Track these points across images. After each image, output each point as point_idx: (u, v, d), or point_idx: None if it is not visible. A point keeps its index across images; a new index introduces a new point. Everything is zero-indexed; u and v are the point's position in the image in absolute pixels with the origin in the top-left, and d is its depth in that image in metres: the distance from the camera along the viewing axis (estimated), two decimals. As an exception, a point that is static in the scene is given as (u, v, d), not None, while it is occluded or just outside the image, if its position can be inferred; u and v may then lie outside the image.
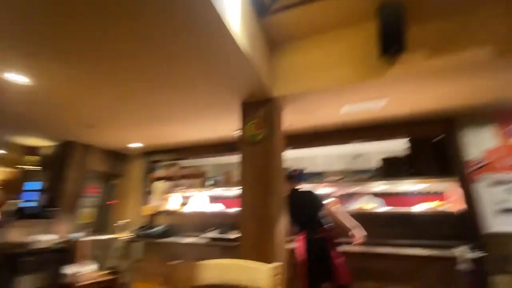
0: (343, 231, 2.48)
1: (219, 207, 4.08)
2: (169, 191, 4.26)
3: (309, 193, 2.76)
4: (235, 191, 3.86)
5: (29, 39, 1.73)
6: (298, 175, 2.92)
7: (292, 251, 2.43)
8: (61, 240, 3.38)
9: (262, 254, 1.78)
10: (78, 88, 2.50)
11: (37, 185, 4.06)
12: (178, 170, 4.44)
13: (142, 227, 3.92)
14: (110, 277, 3.40)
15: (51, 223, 3.57)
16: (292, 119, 2.88)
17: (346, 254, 2.46)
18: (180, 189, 4.21)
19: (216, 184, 4.02)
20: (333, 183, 3.40)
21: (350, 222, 2.49)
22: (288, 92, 2.23)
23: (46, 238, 3.14)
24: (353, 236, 2.45)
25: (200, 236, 3.53)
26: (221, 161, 5.37)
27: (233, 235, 3.16)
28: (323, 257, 2.37)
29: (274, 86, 2.26)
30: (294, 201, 2.47)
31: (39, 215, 3.53)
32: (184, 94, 2.49)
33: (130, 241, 3.95)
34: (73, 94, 2.61)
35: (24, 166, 4.29)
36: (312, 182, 3.42)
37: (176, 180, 4.35)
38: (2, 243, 2.93)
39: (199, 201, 4.22)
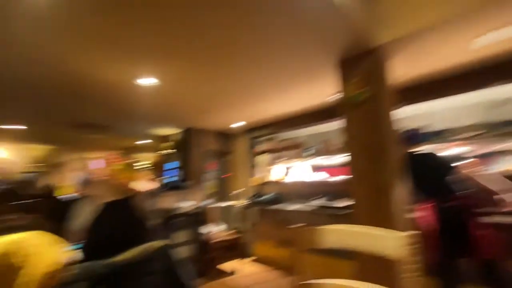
0: (488, 198, 2.00)
1: (322, 176, 4.07)
2: (272, 163, 4.55)
3: (431, 156, 2.34)
4: (339, 159, 3.72)
5: (158, 48, 2.11)
6: (415, 136, 2.50)
7: (415, 221, 2.17)
8: (196, 206, 4.24)
9: (378, 223, 1.66)
10: (194, 81, 2.95)
11: (174, 164, 5.17)
12: (277, 143, 4.65)
13: (253, 196, 4.41)
14: (234, 236, 4.05)
15: (188, 193, 4.52)
16: (402, 69, 2.43)
17: (495, 225, 1.99)
18: (281, 161, 4.43)
19: (316, 154, 3.99)
20: (466, 141, 2.74)
21: (497, 186, 1.97)
22: (395, 36, 1.86)
23: (186, 205, 4.01)
24: (503, 202, 1.94)
25: (306, 204, 3.66)
26: (320, 129, 5.26)
27: (341, 203, 3.11)
28: (459, 228, 2.00)
29: (376, 32, 1.94)
30: (414, 165, 2.13)
31: (179, 187, 4.52)
32: (280, 65, 2.50)
33: (246, 207, 4.53)
34: (191, 87, 3.10)
35: (163, 151, 5.52)
36: (435, 142, 2.86)
37: (277, 152, 4.58)
38: (159, 209, 3.96)
39: (301, 170, 4.33)
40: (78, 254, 1.13)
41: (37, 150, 7.55)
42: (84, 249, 1.42)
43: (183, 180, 4.61)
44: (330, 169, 4.55)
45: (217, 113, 4.15)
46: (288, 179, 4.25)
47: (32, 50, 2.22)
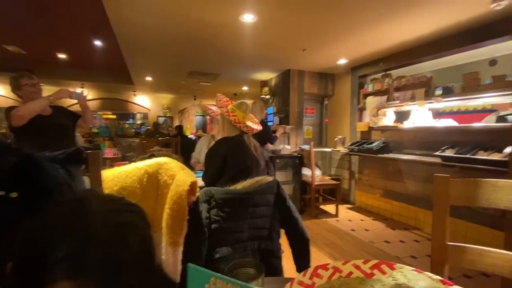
0: None
1: (447, 123, 3.20)
2: (383, 106, 3.91)
3: None
4: (486, 99, 2.77)
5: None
6: None
7: None
8: (296, 149, 4.29)
9: None
10: (292, 17, 2.65)
11: (271, 109, 5.25)
12: (391, 82, 3.88)
13: (357, 143, 4.03)
14: (334, 182, 3.95)
15: (288, 137, 4.60)
16: None
17: None
18: (395, 104, 3.72)
19: (447, 93, 3.10)
20: None
21: None
22: None
23: (286, 147, 4.10)
24: None
25: (429, 154, 3.03)
26: (454, 62, 4.02)
27: (483, 156, 2.40)
28: None
29: None
30: None
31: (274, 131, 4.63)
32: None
33: (347, 154, 4.25)
34: (288, 23, 2.83)
35: (262, 96, 5.64)
36: None
37: (390, 93, 3.86)
38: (266, 148, 4.22)
39: (420, 116, 3.53)
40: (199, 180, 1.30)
41: (165, 98, 9.27)
42: (204, 177, 1.65)
43: (282, 123, 4.66)
44: (459, 115, 3.52)
45: (317, 50, 3.72)
46: (404, 125, 3.58)
47: (151, 4, 2.46)
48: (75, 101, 2.16)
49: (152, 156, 1.34)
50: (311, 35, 3.20)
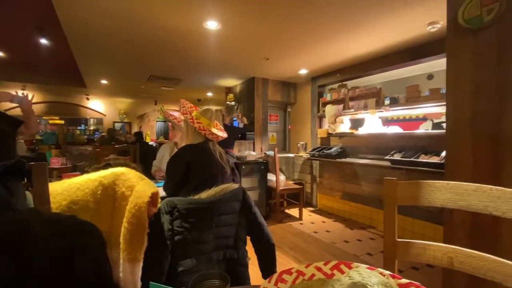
0: None
1: (394, 130, 3.57)
2: (340, 114, 4.19)
3: None
4: (425, 108, 3.14)
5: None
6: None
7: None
8: (261, 155, 4.35)
9: (494, 183, 1.30)
10: (255, 27, 2.72)
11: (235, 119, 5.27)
12: (347, 92, 4.18)
13: (317, 148, 4.24)
14: (297, 186, 4.09)
15: (252, 143, 4.65)
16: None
17: None
18: (351, 112, 4.02)
19: (394, 103, 3.44)
20: None
21: None
22: None
23: (251, 153, 4.14)
24: None
25: (380, 158, 3.33)
26: (399, 75, 4.50)
27: (424, 159, 2.70)
28: None
29: None
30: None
31: (243, 137, 4.65)
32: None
33: (309, 159, 4.45)
34: (252, 32, 2.89)
35: (227, 102, 5.63)
36: None
37: (346, 102, 4.15)
38: (230, 155, 4.21)
39: (372, 123, 3.88)
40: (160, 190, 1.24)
41: (122, 103, 8.72)
42: (165, 187, 1.58)
43: (248, 131, 4.70)
44: (403, 122, 3.97)
45: (280, 59, 3.86)
46: (358, 132, 3.88)
47: (115, 7, 2.32)
48: (15, 105, 1.92)
49: (107, 165, 1.25)
50: (274, 45, 3.31)
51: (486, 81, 1.39)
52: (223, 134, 1.66)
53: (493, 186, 0.75)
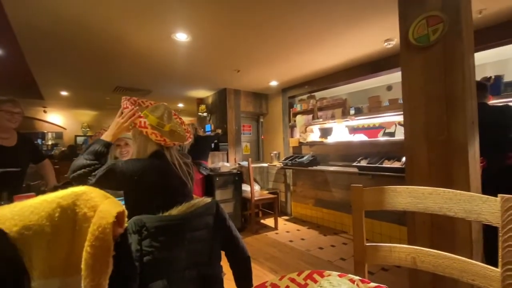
0: None
1: (360, 138, 3.79)
2: (309, 123, 4.34)
3: (505, 110, 1.96)
4: (387, 117, 3.38)
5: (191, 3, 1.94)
6: (491, 86, 2.09)
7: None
8: (235, 166, 4.32)
9: (445, 185, 1.43)
10: (225, 39, 2.75)
11: (209, 126, 5.22)
12: (315, 103, 4.37)
13: (290, 157, 4.33)
14: (271, 196, 4.11)
15: (225, 154, 4.61)
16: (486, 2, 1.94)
17: None
18: (318, 122, 4.19)
19: (358, 113, 3.67)
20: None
21: None
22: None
23: (225, 165, 4.09)
24: None
25: (348, 165, 3.49)
26: (363, 86, 4.81)
27: (387, 164, 2.89)
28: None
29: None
30: (481, 120, 1.77)
31: (217, 148, 4.60)
32: (317, 9, 2.18)
33: (282, 168, 4.51)
34: (221, 44, 2.91)
35: (199, 113, 5.56)
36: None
37: (315, 112, 4.33)
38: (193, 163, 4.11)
39: (340, 132, 4.08)
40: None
41: (85, 115, 8.20)
42: (126, 202, 1.28)
43: (220, 141, 4.67)
44: (368, 130, 4.26)
45: (250, 71, 3.93)
46: (327, 140, 4.05)
47: (73, 14, 2.20)
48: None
49: (67, 184, 1.15)
50: (245, 58, 3.37)
51: (435, 93, 1.55)
52: (188, 135, 1.44)
53: (445, 189, 0.82)
